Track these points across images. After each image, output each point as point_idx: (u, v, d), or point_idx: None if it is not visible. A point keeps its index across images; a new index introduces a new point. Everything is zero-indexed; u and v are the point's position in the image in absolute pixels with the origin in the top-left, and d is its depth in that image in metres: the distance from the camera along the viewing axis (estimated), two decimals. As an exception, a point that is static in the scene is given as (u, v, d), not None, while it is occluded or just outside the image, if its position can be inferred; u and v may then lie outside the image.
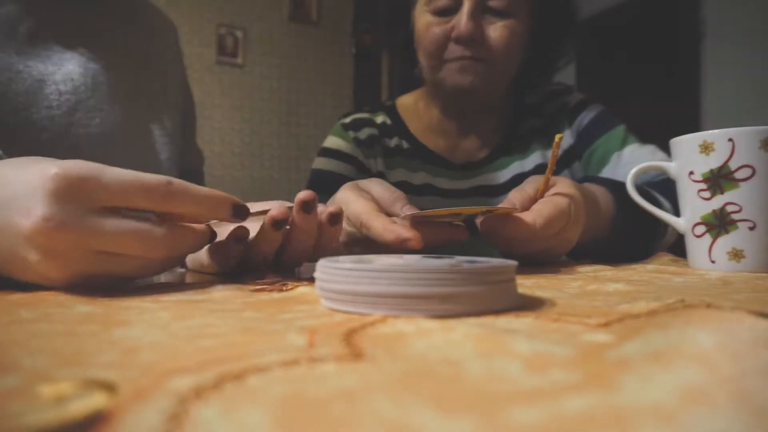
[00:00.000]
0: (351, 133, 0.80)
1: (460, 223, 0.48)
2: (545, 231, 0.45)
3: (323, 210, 0.40)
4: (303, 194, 0.37)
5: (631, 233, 0.56)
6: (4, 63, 0.46)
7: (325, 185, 0.77)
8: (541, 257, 0.49)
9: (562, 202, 0.46)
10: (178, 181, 0.30)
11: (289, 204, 0.41)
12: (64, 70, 0.49)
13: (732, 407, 0.10)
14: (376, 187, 0.49)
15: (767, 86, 2.33)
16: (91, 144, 0.50)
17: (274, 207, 0.37)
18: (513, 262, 0.25)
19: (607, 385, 0.12)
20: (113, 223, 0.27)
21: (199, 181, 0.68)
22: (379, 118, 0.82)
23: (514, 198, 0.48)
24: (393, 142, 0.81)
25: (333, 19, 3.48)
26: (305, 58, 3.41)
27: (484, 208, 0.44)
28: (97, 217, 0.27)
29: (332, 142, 0.81)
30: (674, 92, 2.69)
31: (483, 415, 0.11)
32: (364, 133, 0.80)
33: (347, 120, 0.82)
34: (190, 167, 0.69)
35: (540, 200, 0.48)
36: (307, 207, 0.37)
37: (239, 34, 3.23)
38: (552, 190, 0.48)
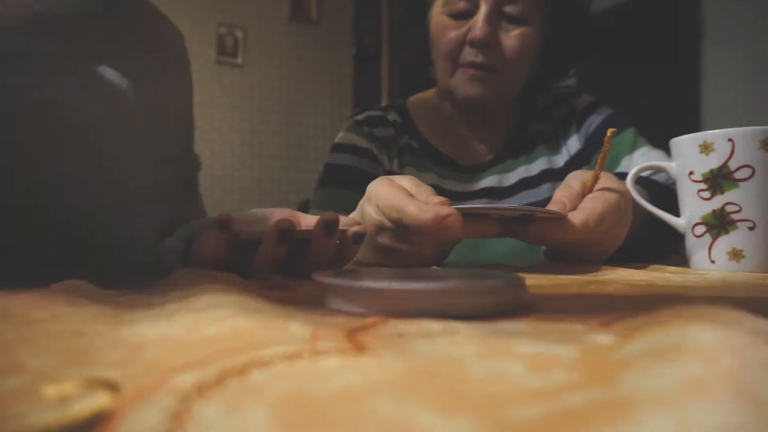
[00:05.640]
0: (366, 128, 0.79)
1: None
2: (598, 227, 0.44)
3: (349, 223, 0.38)
4: (327, 215, 0.35)
5: (659, 231, 0.55)
6: (55, 76, 0.46)
7: (341, 179, 0.77)
8: (591, 256, 0.48)
9: (613, 197, 0.45)
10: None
11: (290, 212, 0.41)
12: (99, 88, 0.49)
13: (732, 399, 0.10)
14: (407, 180, 0.47)
15: (767, 86, 2.32)
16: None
17: (280, 217, 0.35)
18: (520, 278, 0.25)
19: (610, 382, 0.12)
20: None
21: (194, 187, 0.68)
22: (391, 116, 0.82)
23: (561, 196, 0.46)
24: (403, 140, 0.80)
25: (333, 19, 3.48)
26: (305, 58, 3.41)
27: (527, 210, 0.42)
28: None
29: (346, 137, 0.80)
30: (674, 92, 2.68)
31: (485, 416, 0.11)
32: (380, 131, 0.80)
33: (360, 117, 0.81)
34: (185, 174, 0.69)
35: (588, 196, 0.46)
36: (329, 229, 0.35)
37: (239, 34, 3.22)
38: (599, 185, 0.47)
